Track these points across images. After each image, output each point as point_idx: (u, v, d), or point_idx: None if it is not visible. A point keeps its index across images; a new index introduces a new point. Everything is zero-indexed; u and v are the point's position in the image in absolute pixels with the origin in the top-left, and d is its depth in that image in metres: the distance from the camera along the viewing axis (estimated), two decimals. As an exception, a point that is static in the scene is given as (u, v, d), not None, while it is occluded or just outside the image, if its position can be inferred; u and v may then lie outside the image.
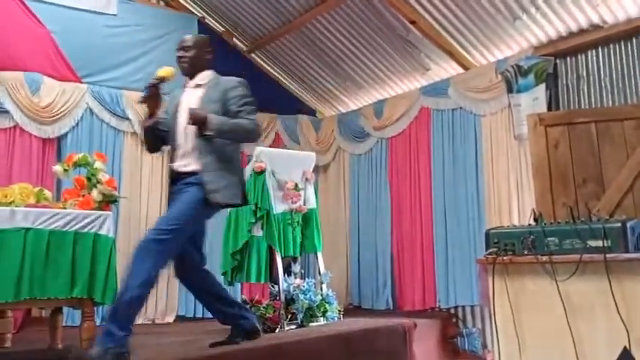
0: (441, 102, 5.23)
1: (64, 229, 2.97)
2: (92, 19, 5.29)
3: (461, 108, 5.07)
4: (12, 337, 3.76)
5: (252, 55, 6.34)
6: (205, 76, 3.11)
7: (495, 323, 2.83)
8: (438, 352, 4.38)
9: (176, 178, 3.00)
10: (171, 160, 3.06)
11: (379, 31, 5.24)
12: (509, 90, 4.59)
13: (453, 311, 4.91)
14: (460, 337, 4.71)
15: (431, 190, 5.21)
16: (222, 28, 6.20)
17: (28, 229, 2.88)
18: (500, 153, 4.70)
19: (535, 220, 2.92)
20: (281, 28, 5.74)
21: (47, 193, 3.21)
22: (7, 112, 4.76)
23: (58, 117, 5.00)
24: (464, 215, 4.89)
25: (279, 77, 6.52)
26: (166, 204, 3.13)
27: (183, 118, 2.98)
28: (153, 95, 2.99)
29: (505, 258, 2.87)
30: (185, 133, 2.98)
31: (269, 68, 6.46)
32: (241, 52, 6.30)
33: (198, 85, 3.09)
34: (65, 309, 3.81)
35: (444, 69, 5.32)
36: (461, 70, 5.16)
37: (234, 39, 6.27)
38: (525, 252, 2.82)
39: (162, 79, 2.98)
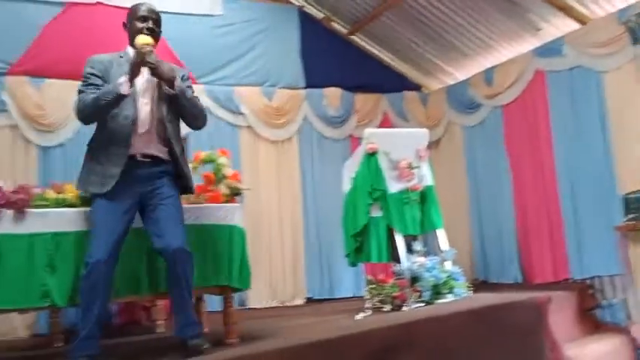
0: (556, 62, 4.93)
1: (202, 223, 3.18)
2: (201, 21, 5.58)
3: (579, 66, 4.75)
4: (164, 323, 4.14)
5: (353, 37, 6.35)
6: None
7: (641, 293, 2.67)
8: (576, 326, 4.18)
9: (136, 168, 2.76)
10: (124, 143, 2.72)
11: (482, -5, 5.03)
12: (635, 41, 4.22)
13: (589, 282, 4.66)
14: (600, 309, 4.45)
15: (553, 155, 4.95)
16: (321, 15, 6.27)
17: (170, 225, 3.11)
18: (629, 110, 4.35)
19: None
20: (380, 7, 5.69)
21: (187, 190, 3.44)
22: (135, 118, 5.16)
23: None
24: (592, 180, 4.59)
25: (382, 56, 6.48)
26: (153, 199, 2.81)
27: (147, 99, 2.80)
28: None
29: (648, 223, 2.69)
30: (151, 115, 2.79)
31: (371, 48, 6.44)
32: (342, 35, 6.33)
33: None
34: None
35: (557, 27, 5.00)
36: (577, 26, 4.82)
37: (334, 23, 6.32)
38: (672, 215, 2.62)
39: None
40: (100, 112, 2.72)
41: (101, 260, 2.63)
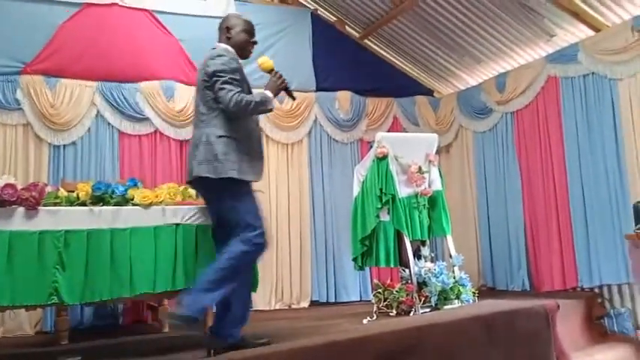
0: (570, 69, 4.89)
1: (209, 223, 3.20)
2: (214, 24, 5.56)
3: (593, 73, 4.71)
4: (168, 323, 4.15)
5: (366, 41, 6.35)
6: None
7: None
8: (583, 334, 4.15)
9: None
10: (260, 144, 3.17)
11: (496, 0, 5.01)
12: (650, 48, 4.18)
13: (597, 290, 4.62)
14: (608, 318, 4.41)
15: (564, 163, 4.90)
16: (334, 18, 6.29)
17: (178, 225, 3.15)
18: (643, 118, 4.31)
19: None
20: (393, 11, 5.69)
21: (191, 191, 3.46)
22: (147, 118, 5.19)
23: (191, 120, 5.36)
24: (604, 188, 4.55)
25: (394, 60, 6.48)
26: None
27: None
28: None
29: (658, 232, 2.67)
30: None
31: (383, 52, 6.44)
32: (354, 39, 6.34)
33: None
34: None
35: (572, 33, 4.97)
36: (591, 33, 4.79)
37: (347, 27, 6.33)
38: (683, 225, 2.59)
39: None
40: (252, 115, 3.07)
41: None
